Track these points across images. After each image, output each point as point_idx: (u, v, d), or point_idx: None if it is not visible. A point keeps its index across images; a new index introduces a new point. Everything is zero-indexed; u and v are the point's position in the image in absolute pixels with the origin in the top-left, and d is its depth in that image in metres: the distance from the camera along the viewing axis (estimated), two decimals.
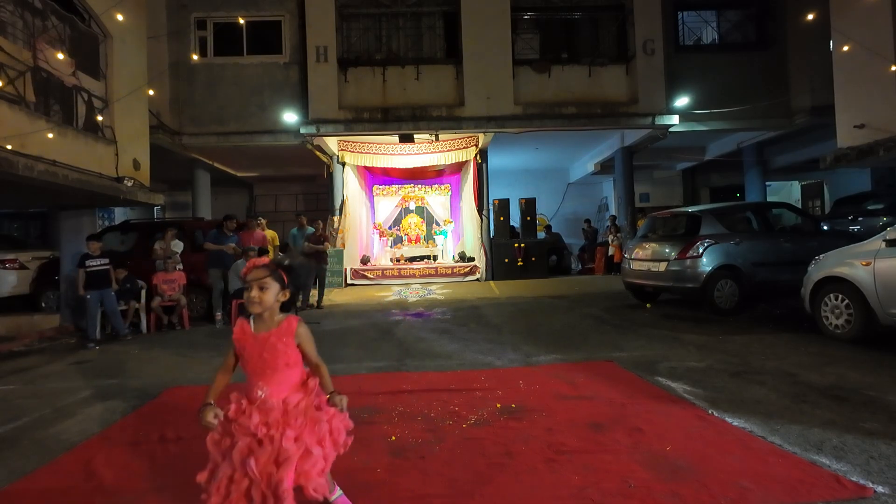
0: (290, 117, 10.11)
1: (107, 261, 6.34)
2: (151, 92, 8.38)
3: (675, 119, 10.26)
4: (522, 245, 11.55)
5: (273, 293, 1.76)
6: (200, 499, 1.70)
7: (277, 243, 8.77)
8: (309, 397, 1.79)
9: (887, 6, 6.79)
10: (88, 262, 6.17)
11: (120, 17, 6.91)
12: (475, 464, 2.42)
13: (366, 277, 11.39)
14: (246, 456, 1.66)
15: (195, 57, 10.24)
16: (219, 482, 1.66)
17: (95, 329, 6.18)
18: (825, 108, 8.83)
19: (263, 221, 8.92)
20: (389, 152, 11.54)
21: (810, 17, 8.06)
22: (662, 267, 6.55)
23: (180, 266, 7.25)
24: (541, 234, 13.22)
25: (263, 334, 1.76)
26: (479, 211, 11.28)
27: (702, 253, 6.18)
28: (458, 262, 12.16)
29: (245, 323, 1.80)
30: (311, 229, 8.45)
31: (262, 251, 7.70)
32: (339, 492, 1.94)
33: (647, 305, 7.17)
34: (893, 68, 6.66)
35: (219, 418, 1.71)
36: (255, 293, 1.74)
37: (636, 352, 4.51)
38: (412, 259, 12.48)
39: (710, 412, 2.96)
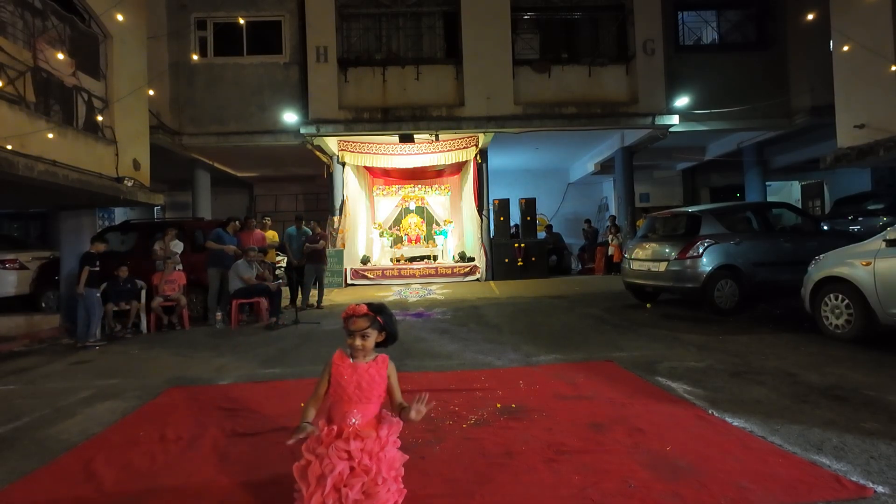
0: (290, 117, 10.11)
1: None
2: (151, 92, 8.38)
3: (675, 119, 10.26)
4: (522, 245, 11.54)
5: (373, 339, 1.88)
6: None
7: (277, 241, 8.76)
8: (393, 434, 1.86)
9: (887, 6, 6.79)
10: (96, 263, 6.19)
11: (120, 18, 6.91)
12: (475, 464, 2.42)
13: (366, 277, 11.38)
14: (339, 481, 1.70)
15: (195, 57, 10.24)
16: None
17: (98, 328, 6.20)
18: (825, 108, 8.84)
19: (268, 221, 8.93)
20: (389, 152, 11.53)
21: (810, 17, 8.07)
22: (662, 267, 6.55)
23: (180, 266, 7.25)
24: (541, 234, 13.22)
25: (363, 364, 1.86)
26: (479, 211, 11.27)
27: (702, 253, 6.18)
28: (458, 262, 12.15)
29: (343, 353, 1.89)
30: (307, 230, 8.45)
31: (262, 251, 7.74)
32: None
33: (647, 305, 7.16)
34: (893, 68, 6.66)
35: (312, 436, 1.78)
36: (358, 342, 1.84)
37: (636, 352, 4.51)
38: (412, 259, 12.47)
39: (710, 412, 2.96)
